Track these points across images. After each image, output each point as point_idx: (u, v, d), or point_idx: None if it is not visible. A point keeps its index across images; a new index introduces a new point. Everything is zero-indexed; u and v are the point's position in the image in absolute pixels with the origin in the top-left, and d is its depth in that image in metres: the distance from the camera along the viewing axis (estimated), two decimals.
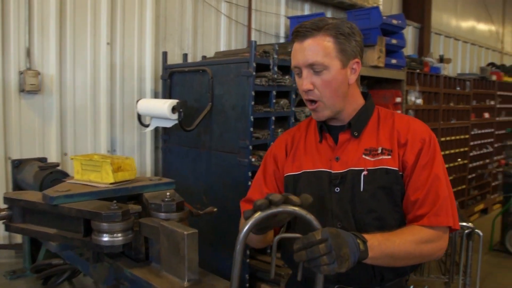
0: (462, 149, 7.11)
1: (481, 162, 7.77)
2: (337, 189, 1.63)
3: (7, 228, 1.91)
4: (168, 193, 1.82)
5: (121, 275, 1.75)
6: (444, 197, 1.57)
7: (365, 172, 1.60)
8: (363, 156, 1.63)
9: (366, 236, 1.43)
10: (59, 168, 2.55)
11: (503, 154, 8.45)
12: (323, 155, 1.70)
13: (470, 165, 7.42)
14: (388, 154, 1.61)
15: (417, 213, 1.57)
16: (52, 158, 3.38)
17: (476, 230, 3.50)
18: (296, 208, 1.40)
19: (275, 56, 3.24)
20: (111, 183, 1.91)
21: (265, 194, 1.70)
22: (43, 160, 2.87)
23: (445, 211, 1.56)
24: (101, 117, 3.74)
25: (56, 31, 3.44)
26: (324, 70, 1.56)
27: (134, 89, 3.94)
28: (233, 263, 1.40)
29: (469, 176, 7.42)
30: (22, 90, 3.30)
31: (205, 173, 3.42)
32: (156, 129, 3.90)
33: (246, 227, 1.39)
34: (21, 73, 3.30)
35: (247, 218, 1.36)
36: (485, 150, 7.90)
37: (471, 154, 7.44)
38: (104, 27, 3.71)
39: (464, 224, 3.51)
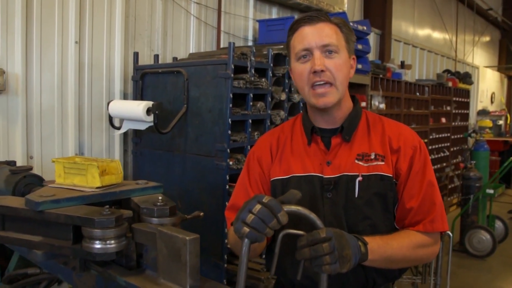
0: None
1: (438, 166, 8.01)
2: (329, 195, 1.60)
3: None
4: (160, 197, 1.75)
5: (112, 284, 1.66)
6: (439, 203, 1.61)
7: (360, 178, 1.58)
8: (356, 161, 1.61)
9: (366, 238, 1.43)
10: (32, 172, 2.41)
11: (458, 158, 8.74)
12: (313, 158, 1.66)
13: None
14: (382, 160, 1.60)
15: (413, 220, 1.59)
16: (17, 161, 3.20)
17: (447, 232, 3.58)
18: (300, 208, 1.39)
19: (253, 58, 3.21)
20: (97, 187, 1.82)
21: None
22: (11, 163, 2.72)
23: (440, 217, 1.59)
24: (68, 119, 3.59)
25: (22, 28, 3.26)
26: (336, 54, 1.55)
27: (102, 90, 3.81)
28: (239, 266, 1.37)
29: None
30: None
31: (180, 177, 3.34)
32: (125, 132, 3.79)
33: None
34: None
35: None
36: (442, 154, 8.16)
37: (429, 158, 7.65)
38: (72, 25, 3.55)
39: None
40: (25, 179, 2.29)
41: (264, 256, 3.36)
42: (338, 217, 1.58)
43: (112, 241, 1.55)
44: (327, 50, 1.54)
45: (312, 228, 1.36)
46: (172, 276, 1.50)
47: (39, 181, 2.33)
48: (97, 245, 1.54)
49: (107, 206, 1.59)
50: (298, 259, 1.35)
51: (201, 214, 2.14)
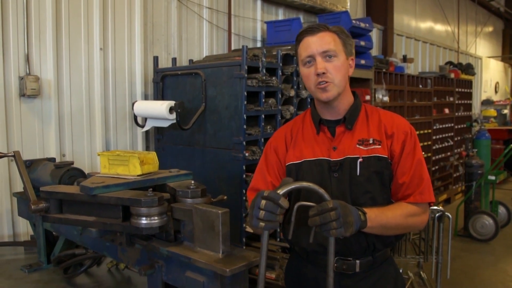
0: (426, 143, 7.58)
1: (443, 155, 8.28)
2: (335, 174, 1.91)
3: (45, 219, 2.12)
4: (192, 182, 2.07)
5: (155, 255, 1.98)
6: (427, 179, 1.91)
7: (360, 159, 1.89)
8: (357, 146, 1.92)
9: (365, 209, 1.75)
10: (73, 166, 2.74)
11: (462, 147, 8.99)
12: (321, 145, 1.97)
13: (433, 158, 7.91)
14: (379, 144, 1.91)
15: (405, 193, 1.89)
16: None
17: (446, 213, 3.89)
18: (311, 184, 1.70)
19: (264, 59, 3.53)
20: (138, 175, 2.15)
21: (269, 182, 2.02)
22: (52, 160, 3.04)
23: (428, 190, 1.89)
24: (96, 120, 3.93)
25: (53, 37, 3.61)
26: (335, 57, 1.86)
27: (125, 92, 4.15)
28: (261, 250, 1.70)
29: (433, 168, 7.92)
30: (22, 94, 3.46)
31: (200, 169, 3.66)
32: (147, 130, 4.11)
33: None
34: (21, 78, 3.45)
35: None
36: (446, 144, 8.42)
37: (433, 147, 7.93)
38: (97, 33, 3.90)
39: (436, 207, 3.89)
40: (68, 172, 2.61)
41: (278, 239, 3.69)
42: (343, 192, 1.89)
43: (156, 218, 1.87)
44: (327, 55, 1.86)
45: (321, 201, 1.67)
46: (207, 244, 1.82)
47: (80, 173, 2.66)
48: (144, 221, 1.86)
49: (151, 189, 1.91)
50: (310, 225, 1.66)
51: (225, 197, 2.46)
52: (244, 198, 3.40)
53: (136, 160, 2.14)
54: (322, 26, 1.90)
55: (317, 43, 1.85)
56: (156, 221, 1.87)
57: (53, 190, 2.09)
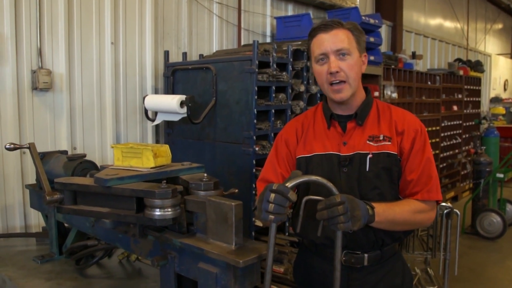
0: (433, 140, 7.57)
1: (450, 152, 8.26)
2: (345, 169, 1.93)
3: (59, 210, 2.15)
4: (205, 175, 2.10)
5: (168, 246, 2.01)
6: (435, 177, 1.92)
7: (370, 155, 1.91)
8: (367, 142, 1.93)
9: (373, 204, 1.76)
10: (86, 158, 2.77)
11: (470, 144, 8.97)
12: (332, 140, 1.99)
13: (441, 155, 7.89)
14: (389, 141, 1.92)
15: (413, 190, 1.91)
16: None
17: (455, 210, 3.89)
18: (319, 178, 1.72)
19: (274, 54, 3.54)
20: (151, 168, 2.17)
21: (279, 173, 2.05)
22: (64, 152, 3.07)
23: (435, 188, 1.91)
24: (106, 113, 3.96)
25: (65, 31, 3.63)
26: (348, 56, 1.86)
27: (136, 86, 4.18)
28: (269, 243, 1.72)
29: (441, 166, 7.91)
30: (35, 88, 3.49)
31: (210, 163, 3.69)
32: (156, 124, 4.14)
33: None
34: (33, 71, 3.48)
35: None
36: (454, 141, 8.40)
37: (441, 144, 7.91)
38: (108, 27, 3.92)
39: (444, 204, 3.90)
40: (81, 165, 2.64)
41: (287, 233, 3.71)
42: (352, 187, 1.91)
43: (169, 209, 1.89)
44: (341, 53, 1.86)
45: (329, 194, 1.68)
46: (220, 236, 1.85)
47: (92, 166, 2.69)
48: (157, 212, 1.88)
49: (164, 181, 1.93)
50: (318, 219, 1.67)
51: (236, 191, 2.49)
52: (253, 192, 3.42)
53: (149, 153, 2.16)
54: (336, 23, 1.90)
55: (331, 41, 1.86)
56: (169, 212, 1.89)
57: (68, 181, 2.12)
